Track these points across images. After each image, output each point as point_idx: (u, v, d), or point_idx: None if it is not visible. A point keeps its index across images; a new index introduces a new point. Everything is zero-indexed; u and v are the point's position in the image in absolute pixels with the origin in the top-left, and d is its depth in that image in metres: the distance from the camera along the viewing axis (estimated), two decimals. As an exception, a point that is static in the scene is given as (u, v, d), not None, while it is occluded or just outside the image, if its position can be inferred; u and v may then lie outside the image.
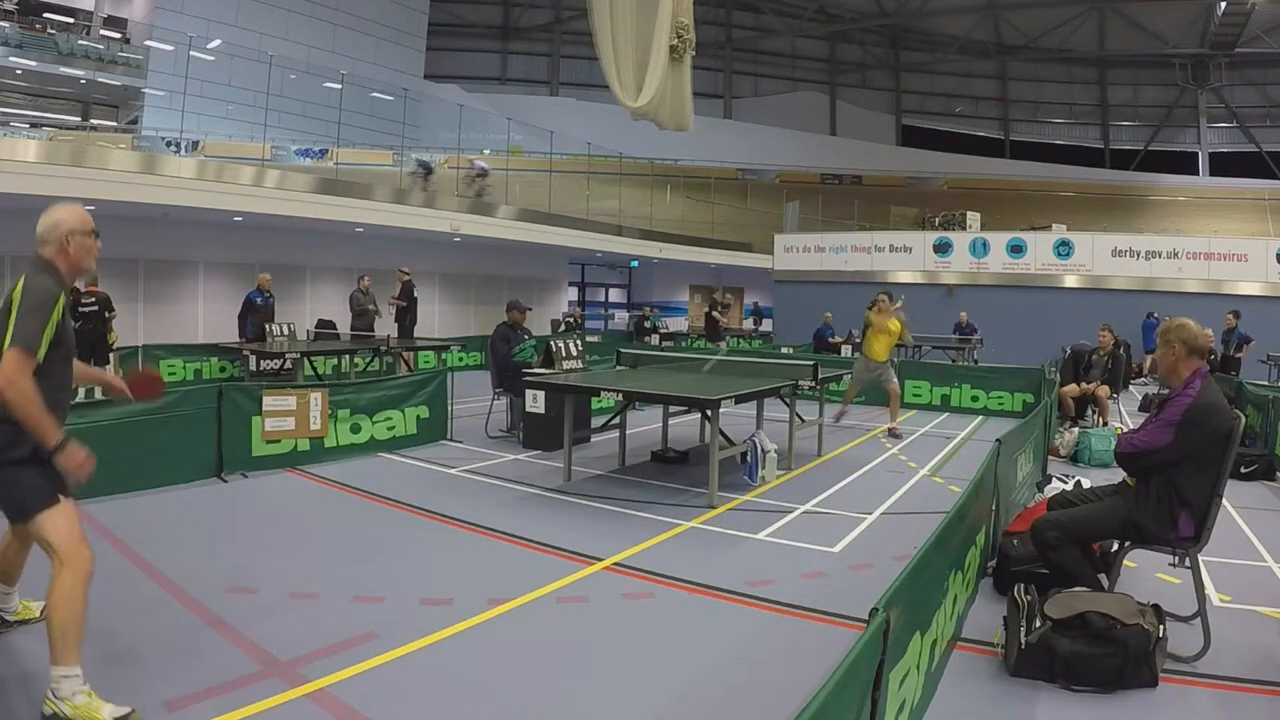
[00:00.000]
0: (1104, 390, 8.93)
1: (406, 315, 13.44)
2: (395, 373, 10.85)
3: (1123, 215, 28.07)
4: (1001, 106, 36.64)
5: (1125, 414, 10.74)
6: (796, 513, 5.44)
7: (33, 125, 19.92)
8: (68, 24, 21.45)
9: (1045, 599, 3.13)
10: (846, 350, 14.90)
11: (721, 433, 5.78)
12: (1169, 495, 3.28)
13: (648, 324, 18.54)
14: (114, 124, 23.02)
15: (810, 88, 36.80)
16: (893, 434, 8.77)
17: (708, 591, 3.89)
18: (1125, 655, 2.92)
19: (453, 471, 6.44)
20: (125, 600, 3.48)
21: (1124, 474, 3.58)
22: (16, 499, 2.63)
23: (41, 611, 2.96)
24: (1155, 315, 15.05)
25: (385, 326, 13.17)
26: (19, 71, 20.52)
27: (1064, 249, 17.47)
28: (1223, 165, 33.72)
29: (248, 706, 2.64)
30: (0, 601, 3.16)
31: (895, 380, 9.12)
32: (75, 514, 2.66)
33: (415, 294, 13.60)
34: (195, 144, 19.04)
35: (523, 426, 7.62)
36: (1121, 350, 10.32)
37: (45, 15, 20.89)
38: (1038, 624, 3.04)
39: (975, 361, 14.67)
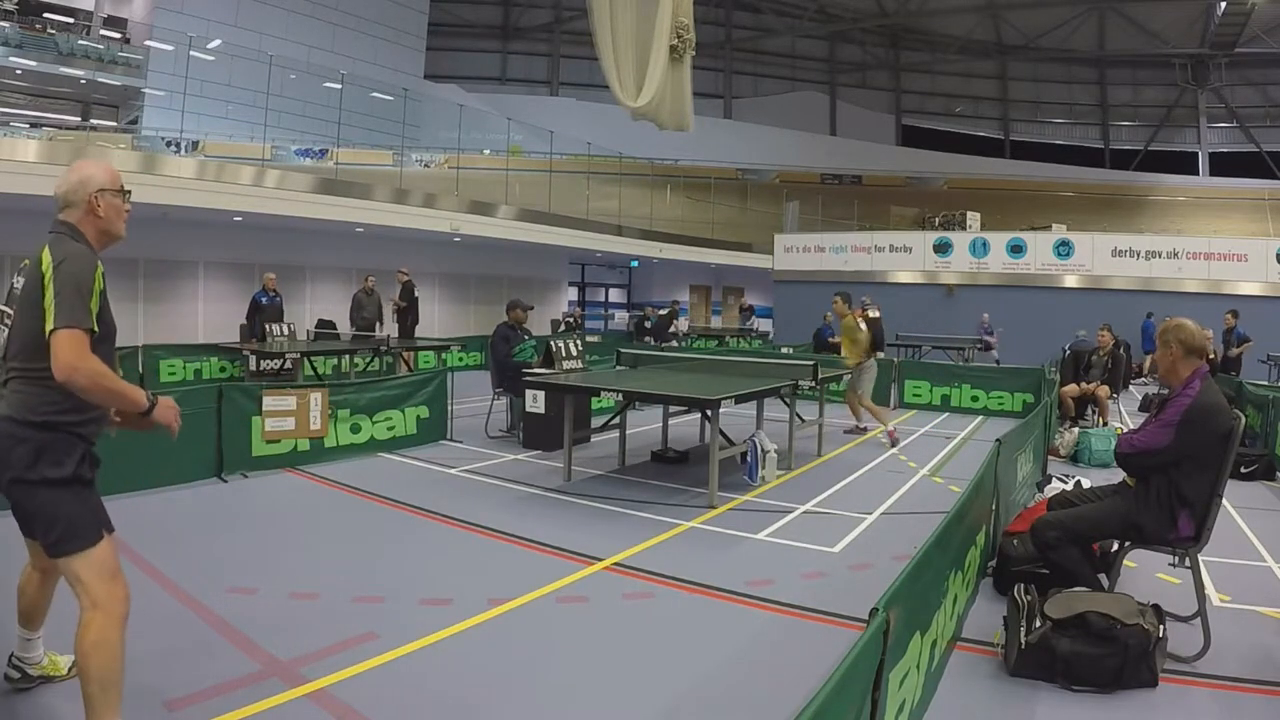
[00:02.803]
0: (1104, 390, 8.93)
1: (408, 316, 13.45)
2: (395, 373, 10.85)
3: (1123, 215, 28.08)
4: (1001, 106, 36.63)
5: (1125, 414, 10.74)
6: (796, 513, 5.44)
7: (33, 125, 19.91)
8: (68, 24, 21.43)
9: (1045, 599, 3.13)
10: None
11: (721, 433, 5.78)
12: (1169, 495, 3.28)
13: (647, 324, 18.54)
14: (114, 124, 23.02)
15: (810, 88, 36.79)
16: (856, 430, 8.69)
17: (708, 591, 3.89)
18: (1125, 655, 2.92)
19: (453, 471, 6.44)
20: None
21: (1124, 474, 3.58)
22: (58, 531, 2.22)
23: (70, 669, 2.67)
24: (1153, 316, 15.06)
25: (386, 326, 13.18)
26: (19, 71, 20.51)
27: (1064, 249, 17.48)
28: (1223, 165, 33.71)
29: (248, 706, 2.64)
30: (21, 649, 2.66)
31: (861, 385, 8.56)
32: (114, 546, 2.32)
33: (416, 294, 13.59)
34: (195, 144, 19.04)
35: (523, 426, 7.62)
36: (1121, 350, 10.32)
37: (45, 15, 20.87)
38: (1038, 624, 3.04)
39: (973, 359, 14.67)
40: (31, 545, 2.52)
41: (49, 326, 2.16)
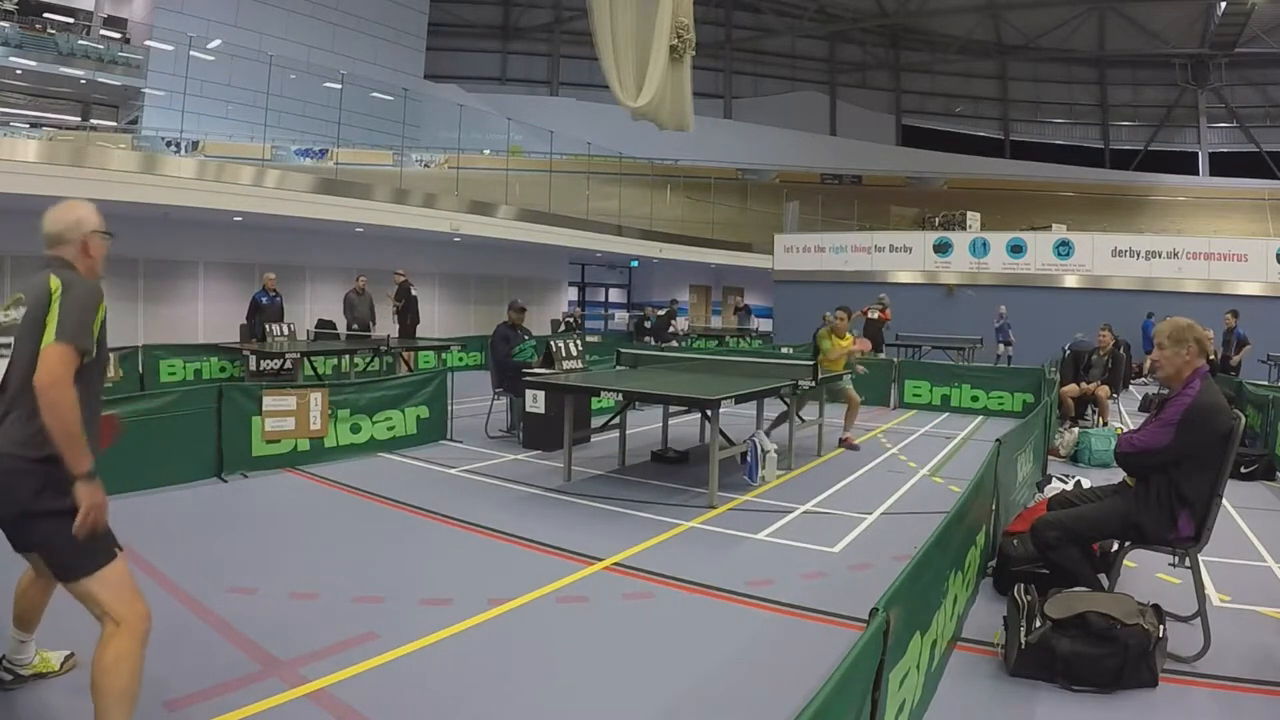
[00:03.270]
0: (1104, 390, 8.92)
1: (407, 315, 13.42)
2: (395, 373, 10.85)
3: (1123, 215, 28.07)
4: (1001, 106, 36.63)
5: (1125, 414, 10.74)
6: (796, 513, 5.44)
7: (33, 125, 19.91)
8: (68, 24, 21.44)
9: (1045, 599, 3.13)
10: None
11: (721, 433, 5.78)
12: (1169, 495, 3.28)
13: (647, 324, 18.54)
14: (114, 124, 23.02)
15: (810, 88, 36.79)
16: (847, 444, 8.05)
17: (708, 591, 3.89)
18: (1125, 655, 2.92)
19: (453, 471, 6.44)
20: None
21: (1124, 474, 3.58)
22: (68, 558, 2.21)
23: (63, 665, 2.76)
24: (1153, 316, 15.06)
25: (385, 327, 13.17)
26: (19, 71, 20.52)
27: (1064, 249, 17.48)
28: (1223, 165, 33.71)
29: (248, 706, 2.64)
30: (14, 651, 2.68)
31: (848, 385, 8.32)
32: (127, 565, 2.32)
33: (414, 293, 13.56)
34: (195, 144, 19.05)
35: (523, 426, 7.62)
36: (1121, 350, 10.32)
37: (45, 15, 20.88)
38: (1038, 624, 3.04)
39: (973, 358, 14.67)
40: (30, 559, 2.51)
41: (47, 340, 2.16)
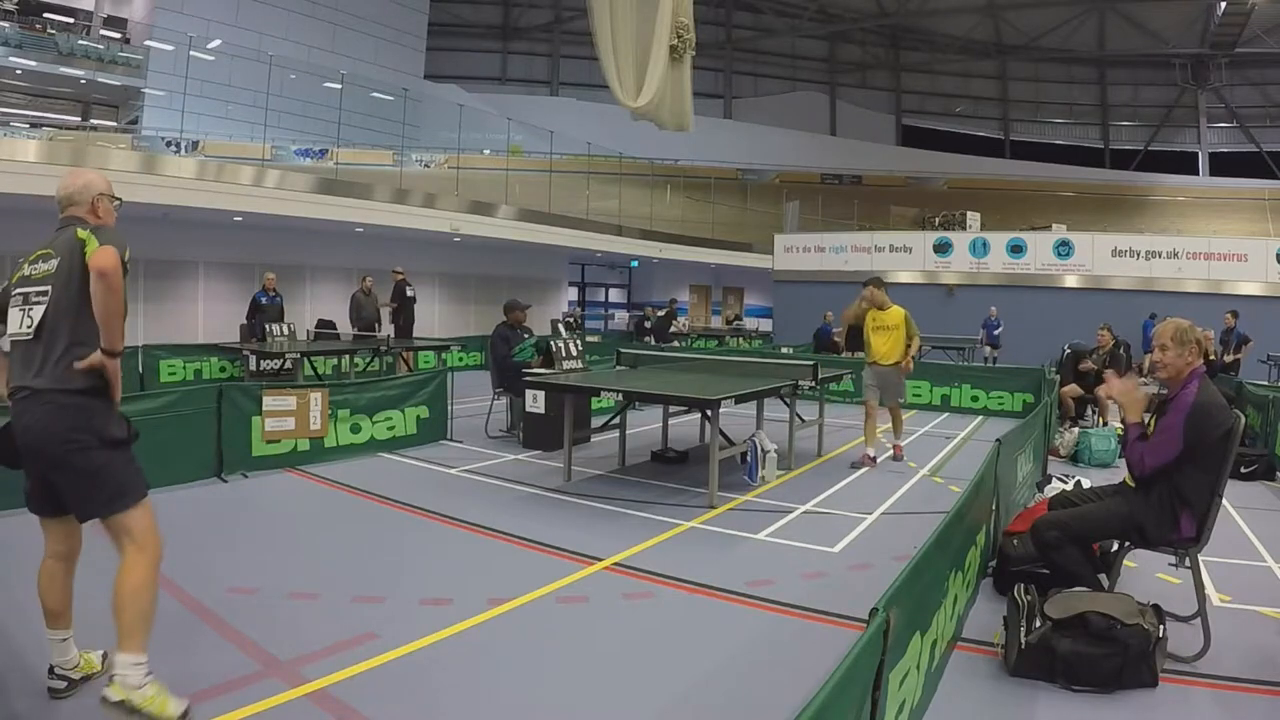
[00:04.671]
0: (1103, 389, 8.88)
1: (401, 315, 13.36)
2: (395, 373, 10.84)
3: (1123, 215, 28.08)
4: (1001, 106, 36.63)
5: (1125, 414, 10.71)
6: (796, 513, 5.44)
7: (33, 125, 19.92)
8: (68, 24, 21.44)
9: (1045, 599, 3.13)
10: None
11: (721, 433, 5.77)
12: (1170, 496, 3.28)
13: (648, 324, 18.55)
14: (114, 124, 23.02)
15: (810, 88, 36.80)
16: (894, 456, 7.39)
17: (708, 591, 3.89)
18: (1125, 655, 2.92)
19: (453, 471, 6.44)
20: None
21: (1124, 474, 3.57)
22: (112, 489, 2.49)
23: (104, 663, 2.74)
24: (1155, 316, 15.06)
25: (384, 327, 13.16)
26: (19, 71, 20.52)
27: (1064, 249, 17.48)
28: (1223, 165, 33.71)
29: (248, 706, 2.64)
30: (57, 653, 2.62)
31: (903, 392, 7.52)
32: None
33: (410, 294, 13.46)
34: (195, 144, 19.05)
35: (523, 426, 7.62)
36: (1121, 350, 10.31)
37: (45, 15, 20.89)
38: (1038, 624, 3.04)
39: (972, 359, 14.68)
40: (52, 531, 2.60)
41: (92, 249, 2.42)
